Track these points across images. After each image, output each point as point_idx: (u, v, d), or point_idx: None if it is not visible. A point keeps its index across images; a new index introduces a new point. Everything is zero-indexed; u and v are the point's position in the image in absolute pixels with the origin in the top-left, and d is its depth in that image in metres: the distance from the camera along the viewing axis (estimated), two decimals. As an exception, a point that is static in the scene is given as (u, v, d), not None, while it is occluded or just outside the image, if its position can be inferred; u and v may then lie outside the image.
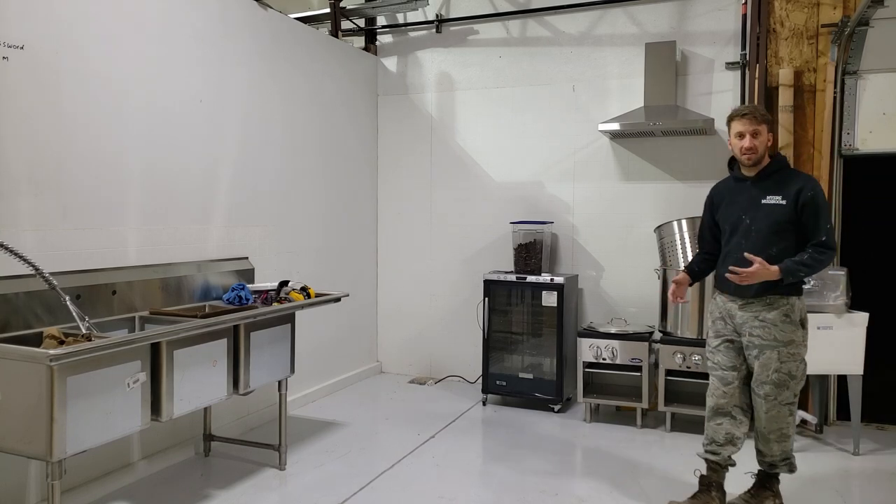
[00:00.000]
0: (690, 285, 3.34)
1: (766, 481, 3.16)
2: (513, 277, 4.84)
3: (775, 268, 2.83)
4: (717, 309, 3.14)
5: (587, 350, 4.47)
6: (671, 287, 3.28)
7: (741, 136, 2.97)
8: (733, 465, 3.15)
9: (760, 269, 2.82)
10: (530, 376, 4.80)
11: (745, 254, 2.89)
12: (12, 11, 2.84)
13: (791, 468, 3.12)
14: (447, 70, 5.53)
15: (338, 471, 3.63)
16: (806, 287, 3.91)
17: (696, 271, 3.31)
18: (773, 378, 2.94)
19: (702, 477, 3.19)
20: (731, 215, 3.07)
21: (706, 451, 3.17)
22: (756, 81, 4.43)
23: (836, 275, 3.94)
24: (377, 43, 5.77)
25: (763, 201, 2.96)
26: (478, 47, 5.44)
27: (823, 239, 2.85)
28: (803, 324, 2.96)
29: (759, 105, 3.07)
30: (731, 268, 2.90)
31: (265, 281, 4.08)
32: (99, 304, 3.12)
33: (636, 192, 4.97)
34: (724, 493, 3.14)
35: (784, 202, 2.91)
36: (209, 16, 3.91)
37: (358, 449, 3.97)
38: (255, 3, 4.30)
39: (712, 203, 3.23)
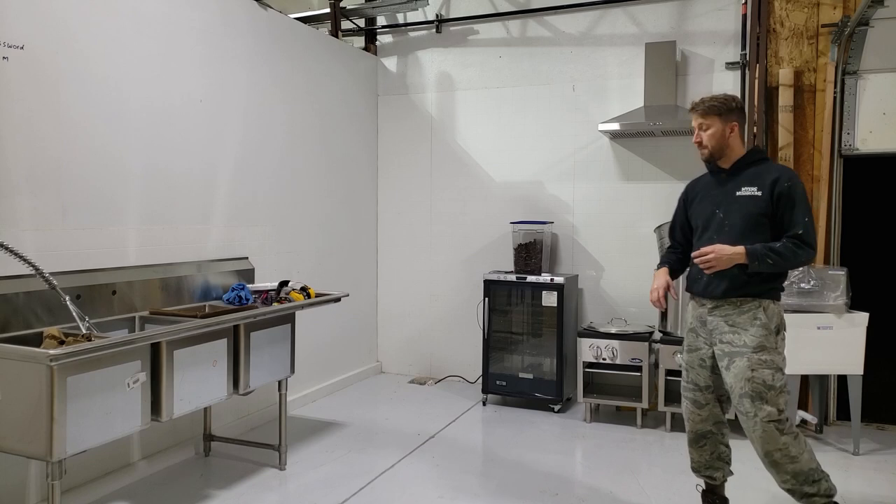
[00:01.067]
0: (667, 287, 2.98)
1: None
2: (513, 277, 4.84)
3: (740, 247, 2.63)
4: (690, 317, 2.92)
5: (587, 350, 4.47)
6: (657, 290, 2.93)
7: (693, 129, 2.85)
8: (731, 474, 3.07)
9: (719, 247, 2.66)
10: (530, 376, 4.80)
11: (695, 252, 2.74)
12: (12, 11, 2.84)
13: (829, 492, 2.71)
14: (447, 70, 5.53)
15: (338, 471, 3.63)
16: (805, 287, 3.91)
17: (674, 269, 3.06)
18: (747, 390, 2.64)
19: (703, 493, 3.09)
20: (703, 210, 2.88)
21: (701, 474, 3.05)
22: (756, 81, 4.43)
23: (836, 275, 3.94)
24: (377, 43, 5.77)
25: (738, 193, 2.75)
26: (478, 47, 5.44)
27: (800, 232, 2.61)
28: (778, 330, 2.69)
29: (730, 96, 2.86)
30: (693, 254, 2.76)
31: (265, 281, 4.08)
32: (99, 304, 3.12)
33: (636, 192, 4.97)
34: (727, 500, 3.09)
35: (759, 193, 2.69)
36: (209, 16, 3.91)
37: (358, 449, 3.97)
38: (255, 3, 4.30)
39: (686, 199, 3.03)
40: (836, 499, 2.74)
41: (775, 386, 2.63)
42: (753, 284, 2.69)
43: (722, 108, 2.79)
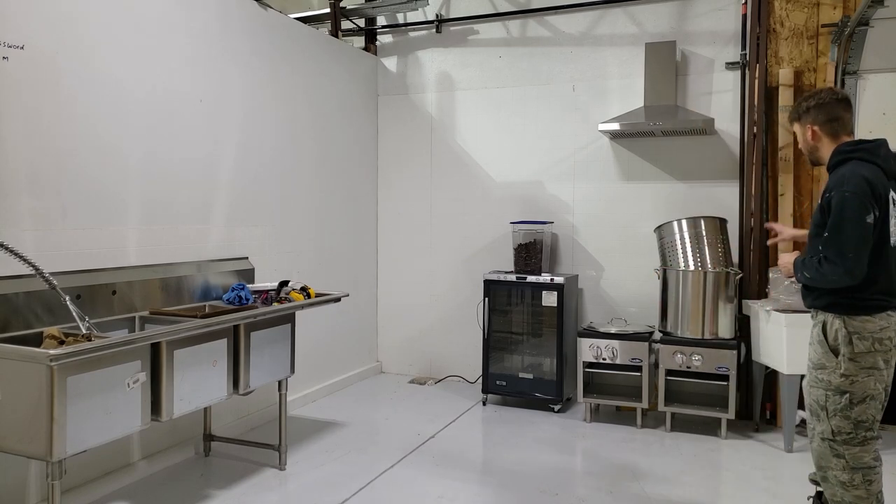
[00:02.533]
0: None
1: None
2: (513, 277, 4.84)
3: (793, 258, 2.65)
4: None
5: (587, 350, 4.47)
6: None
7: None
8: None
9: (781, 256, 2.77)
10: (530, 376, 4.80)
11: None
12: (12, 11, 2.84)
13: None
14: (447, 70, 5.53)
15: (338, 471, 3.63)
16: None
17: None
18: (808, 402, 2.62)
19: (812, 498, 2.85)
20: None
21: (811, 477, 2.83)
22: (756, 81, 4.43)
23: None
24: (377, 43, 5.77)
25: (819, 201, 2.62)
26: (478, 47, 5.44)
27: (820, 248, 2.47)
28: (836, 350, 2.48)
29: (808, 98, 2.69)
30: None
31: (265, 281, 4.08)
32: (99, 304, 3.12)
33: (636, 192, 4.96)
34: None
35: (821, 202, 2.55)
36: (209, 17, 3.91)
37: (358, 449, 3.97)
38: (255, 3, 4.30)
39: None
40: None
41: (827, 408, 2.51)
42: (814, 297, 2.59)
43: (795, 114, 2.72)
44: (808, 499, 2.88)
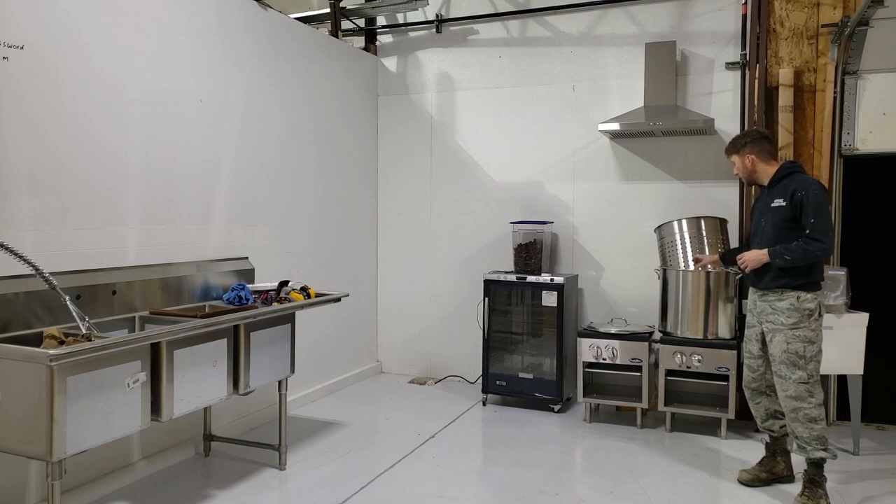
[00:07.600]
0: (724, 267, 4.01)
1: (813, 477, 3.27)
2: (513, 277, 4.84)
3: (766, 250, 3.25)
4: (749, 302, 3.54)
5: (587, 350, 4.47)
6: (704, 261, 3.98)
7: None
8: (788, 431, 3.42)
9: (748, 253, 3.33)
10: (530, 376, 4.80)
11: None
12: (12, 11, 2.84)
13: (825, 450, 3.23)
14: (447, 70, 5.53)
15: (338, 471, 3.63)
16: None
17: (726, 258, 3.90)
18: (783, 358, 3.24)
19: (767, 445, 3.57)
20: (754, 219, 3.52)
21: (762, 428, 3.57)
22: (756, 81, 4.43)
23: (836, 275, 3.93)
24: (377, 43, 5.77)
25: (772, 205, 3.32)
26: (478, 47, 5.44)
27: (807, 231, 3.16)
28: (811, 314, 3.21)
29: (752, 130, 3.71)
30: (737, 257, 3.42)
31: (265, 281, 4.08)
32: (99, 304, 3.12)
33: (636, 192, 4.97)
34: (788, 454, 3.52)
35: (784, 203, 3.25)
36: (209, 16, 3.91)
37: (358, 449, 3.97)
38: (255, 3, 4.30)
39: (751, 209, 3.67)
40: (831, 490, 3.30)
41: (805, 356, 3.20)
42: (790, 278, 3.23)
43: (734, 147, 3.48)
44: (762, 441, 3.69)
